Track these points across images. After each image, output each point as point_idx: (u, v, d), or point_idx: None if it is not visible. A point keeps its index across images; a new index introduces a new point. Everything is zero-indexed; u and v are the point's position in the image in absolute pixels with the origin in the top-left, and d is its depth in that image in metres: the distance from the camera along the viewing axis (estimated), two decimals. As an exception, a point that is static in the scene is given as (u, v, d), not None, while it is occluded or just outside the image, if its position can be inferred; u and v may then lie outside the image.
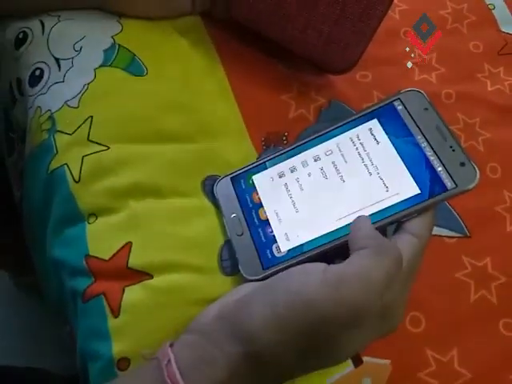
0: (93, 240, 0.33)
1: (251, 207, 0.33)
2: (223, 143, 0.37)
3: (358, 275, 0.25)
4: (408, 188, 0.30)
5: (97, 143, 0.35)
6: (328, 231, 0.31)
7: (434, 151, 0.30)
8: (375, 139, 0.32)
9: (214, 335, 0.27)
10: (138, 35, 0.39)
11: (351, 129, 0.33)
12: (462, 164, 0.29)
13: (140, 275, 0.31)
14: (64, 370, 0.41)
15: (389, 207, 0.30)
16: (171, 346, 0.27)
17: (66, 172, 0.34)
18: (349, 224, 0.30)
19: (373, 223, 0.29)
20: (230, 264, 0.33)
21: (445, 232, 0.38)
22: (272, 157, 0.34)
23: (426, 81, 0.45)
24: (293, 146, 0.34)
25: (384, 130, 0.32)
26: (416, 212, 0.29)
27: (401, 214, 0.29)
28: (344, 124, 0.34)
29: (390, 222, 0.30)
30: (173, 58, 0.39)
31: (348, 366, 0.31)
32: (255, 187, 0.34)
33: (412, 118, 0.31)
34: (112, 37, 0.39)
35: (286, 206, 0.32)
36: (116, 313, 0.31)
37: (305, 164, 0.33)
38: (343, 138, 0.33)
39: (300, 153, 0.34)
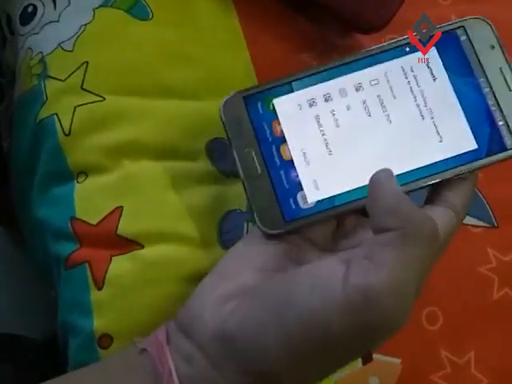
0: (81, 201, 0.30)
1: (271, 141, 0.26)
2: None
3: (388, 287, 0.20)
4: (464, 141, 0.26)
5: (91, 93, 0.31)
6: (365, 183, 0.24)
7: (497, 100, 0.26)
8: (432, 74, 0.27)
9: (214, 356, 0.22)
10: None
11: (404, 55, 0.27)
12: None
13: (130, 244, 0.28)
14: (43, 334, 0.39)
15: (439, 162, 0.25)
16: (168, 342, 0.23)
17: (56, 123, 0.31)
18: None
19: (416, 180, 0.25)
20: (231, 237, 0.30)
21: (470, 220, 0.34)
22: (301, 76, 0.27)
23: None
24: (329, 65, 0.27)
25: (443, 63, 0.27)
26: (468, 172, 0.25)
27: (450, 172, 0.25)
28: (396, 47, 0.27)
29: (435, 182, 0.25)
30: (183, 1, 0.35)
31: (356, 363, 0.28)
32: (277, 115, 0.27)
33: (476, 54, 0.27)
34: (115, -26, 0.34)
35: (316, 144, 0.26)
36: (100, 284, 0.28)
37: (343, 93, 0.27)
38: (393, 66, 0.27)
39: (338, 76, 0.27)
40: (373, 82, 0.27)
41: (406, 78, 0.27)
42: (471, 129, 0.26)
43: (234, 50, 0.34)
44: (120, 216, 0.29)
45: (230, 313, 0.22)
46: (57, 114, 0.31)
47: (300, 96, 0.27)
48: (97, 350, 0.27)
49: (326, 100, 0.27)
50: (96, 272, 0.28)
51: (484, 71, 0.26)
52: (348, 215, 0.26)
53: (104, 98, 0.31)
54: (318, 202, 0.26)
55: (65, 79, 0.32)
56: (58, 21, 0.33)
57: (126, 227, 0.28)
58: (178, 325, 0.24)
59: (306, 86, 0.27)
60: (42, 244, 0.31)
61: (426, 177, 0.26)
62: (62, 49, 0.32)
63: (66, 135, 0.31)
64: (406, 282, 0.20)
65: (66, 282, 0.29)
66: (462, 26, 0.27)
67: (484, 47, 0.27)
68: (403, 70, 0.27)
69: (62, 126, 0.31)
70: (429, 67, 0.27)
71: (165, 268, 0.28)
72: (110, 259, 0.28)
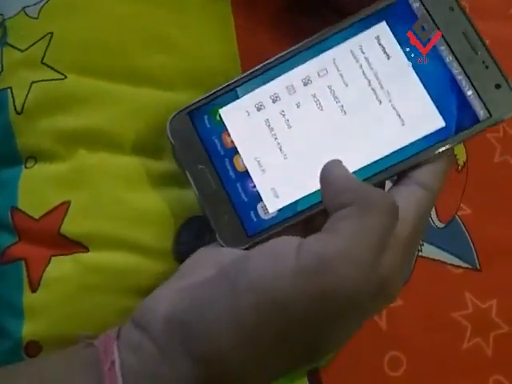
0: (25, 189, 0.27)
1: (223, 154, 0.25)
2: None
3: (343, 253, 0.19)
4: (429, 120, 0.23)
5: (52, 68, 0.28)
6: None
7: (463, 68, 0.23)
8: (384, 51, 0.24)
9: (164, 344, 0.20)
10: None
11: (351, 37, 0.25)
12: (498, 86, 0.23)
13: (72, 245, 0.25)
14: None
15: (405, 147, 0.23)
16: (118, 337, 0.22)
17: (9, 98, 0.28)
18: (354, 172, 0.23)
19: (383, 171, 0.23)
20: (187, 249, 0.27)
21: (452, 259, 0.31)
22: (244, 79, 0.25)
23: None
24: (272, 61, 0.25)
25: (396, 37, 0.24)
26: (439, 153, 0.23)
27: (419, 156, 0.23)
28: (341, 30, 0.25)
29: (403, 169, 0.23)
30: None
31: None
32: (225, 126, 0.25)
33: (433, 20, 0.24)
34: None
35: (269, 150, 0.25)
36: (35, 286, 0.25)
37: (291, 90, 0.25)
38: (341, 51, 0.25)
39: (283, 73, 0.25)
40: (321, 73, 0.25)
41: (357, 61, 0.24)
42: (436, 105, 0.23)
43: (221, 41, 0.31)
44: (66, 212, 0.26)
45: (181, 298, 0.21)
46: (11, 88, 0.28)
47: (246, 101, 0.25)
48: (23, 358, 0.25)
49: (274, 101, 0.25)
50: (32, 272, 0.25)
51: (444, 38, 0.24)
52: (315, 217, 0.24)
53: (65, 77, 0.28)
54: (280, 210, 0.24)
55: (24, 50, 0.28)
56: (25, -19, 0.29)
57: (70, 226, 0.26)
58: (131, 320, 0.22)
59: (252, 90, 0.25)
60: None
61: (393, 165, 0.23)
62: (26, 14, 0.29)
63: (17, 113, 0.27)
64: (362, 251, 0.19)
65: (-1, 277, 0.26)
66: None
67: (441, 11, 0.24)
68: (353, 54, 0.25)
69: (14, 102, 0.27)
70: (380, 45, 0.24)
71: (107, 276, 0.25)
72: (49, 259, 0.25)
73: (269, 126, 0.25)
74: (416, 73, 0.24)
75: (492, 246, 0.33)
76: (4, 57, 0.28)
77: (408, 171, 0.23)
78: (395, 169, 0.23)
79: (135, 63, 0.29)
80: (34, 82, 0.28)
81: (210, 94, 0.25)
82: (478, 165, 0.34)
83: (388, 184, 0.26)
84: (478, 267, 0.32)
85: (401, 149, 0.24)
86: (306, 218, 0.24)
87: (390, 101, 0.24)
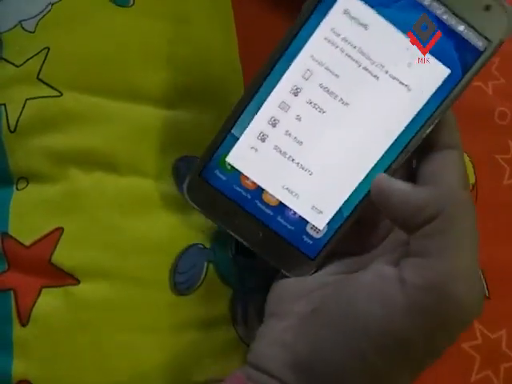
0: (16, 213, 0.26)
1: (251, 198, 0.24)
2: (213, 115, 0.28)
3: (450, 275, 0.18)
4: (433, 72, 0.22)
5: (47, 85, 0.27)
6: (361, 178, 0.23)
7: (445, 6, 0.21)
8: (360, 23, 0.22)
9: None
10: None
11: (319, 22, 0.22)
12: (487, 7, 0.21)
13: (63, 276, 0.24)
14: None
15: (421, 111, 0.22)
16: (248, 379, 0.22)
17: (2, 115, 0.27)
18: (382, 158, 0.23)
19: (409, 143, 0.22)
20: (185, 279, 0.26)
21: (460, 287, 0.30)
22: (234, 119, 0.24)
23: (479, 89, 0.36)
24: (253, 86, 0.23)
25: (365, 1, 0.22)
26: (455, 99, 0.22)
27: (439, 111, 0.22)
28: (305, 21, 0.22)
29: (428, 132, 0.22)
30: None
31: None
32: (239, 171, 0.24)
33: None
34: None
35: (292, 173, 0.24)
36: (24, 320, 0.24)
37: (285, 106, 0.23)
38: (316, 42, 0.22)
39: (269, 93, 0.23)
40: (306, 75, 0.23)
41: (337, 46, 0.22)
42: (433, 55, 0.22)
43: (223, 53, 0.29)
44: (58, 240, 0.24)
45: (294, 341, 0.21)
46: (4, 105, 0.27)
47: (247, 138, 0.24)
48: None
49: (274, 125, 0.24)
50: (21, 304, 0.24)
51: None
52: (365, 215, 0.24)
53: (61, 94, 0.27)
54: (329, 223, 0.24)
55: (20, 65, 0.27)
56: (22, -7, 0.28)
57: (62, 255, 0.24)
58: (248, 365, 0.22)
59: (247, 124, 0.24)
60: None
61: (417, 133, 0.22)
62: (23, 28, 0.27)
63: (10, 132, 0.26)
64: (467, 263, 0.19)
65: (-13, 307, 0.25)
66: None
67: None
68: (329, 41, 0.22)
69: (8, 119, 0.26)
70: (352, 17, 0.22)
71: (101, 311, 0.24)
72: (40, 291, 0.24)
73: (280, 151, 0.24)
74: (400, 30, 0.22)
75: (500, 273, 0.31)
76: (-2, 72, 0.27)
77: (432, 133, 0.22)
78: (419, 135, 0.22)
79: (134, 80, 0.28)
80: (28, 99, 0.26)
81: (211, 148, 0.24)
82: (487, 187, 0.33)
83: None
84: (487, 295, 0.31)
85: (418, 114, 0.22)
86: (355, 219, 0.24)
87: (387, 72, 0.22)
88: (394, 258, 0.21)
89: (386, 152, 0.23)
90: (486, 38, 0.21)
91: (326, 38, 0.22)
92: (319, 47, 0.23)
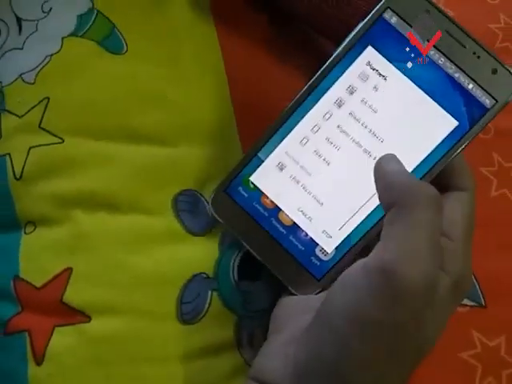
0: (26, 257, 0.27)
1: (268, 216, 0.26)
2: (208, 149, 0.30)
3: (399, 256, 0.19)
4: (442, 124, 0.25)
5: (49, 133, 0.28)
6: (371, 209, 0.25)
7: (456, 65, 0.24)
8: (380, 74, 0.25)
9: None
10: (125, 0, 0.31)
11: (342, 73, 0.25)
12: (494, 71, 0.24)
13: (75, 315, 0.25)
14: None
15: (429, 155, 0.25)
16: None
17: (8, 164, 0.28)
18: None
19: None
20: (191, 309, 0.27)
21: (456, 298, 0.31)
22: (262, 144, 0.26)
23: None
24: (280, 120, 0.26)
25: (385, 57, 0.25)
26: (460, 150, 0.25)
27: (444, 159, 0.25)
28: (329, 70, 0.25)
29: (433, 177, 0.25)
30: (164, 34, 0.31)
31: None
32: (260, 190, 0.26)
33: (410, 24, 0.25)
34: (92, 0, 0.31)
35: (306, 200, 0.26)
36: (39, 359, 0.25)
37: (304, 142, 0.26)
38: (337, 89, 0.25)
39: (292, 129, 0.26)
40: (326, 116, 0.26)
41: (359, 95, 0.25)
42: (444, 108, 0.25)
43: (215, 94, 0.31)
44: (68, 280, 0.26)
45: (296, 351, 0.22)
46: (9, 154, 0.28)
47: (271, 163, 0.26)
48: None
49: (293, 157, 0.26)
50: (36, 344, 0.25)
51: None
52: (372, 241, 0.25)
53: (63, 140, 0.28)
54: (337, 248, 0.26)
55: (22, 115, 0.28)
56: (21, 48, 0.30)
57: (73, 294, 0.25)
58: (251, 379, 0.23)
59: (271, 151, 0.26)
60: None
61: (423, 177, 0.25)
62: (23, 80, 0.29)
63: (16, 179, 0.27)
64: (416, 247, 0.20)
65: (4, 349, 0.26)
66: (388, 7, 0.25)
67: (418, 16, 0.25)
68: (350, 91, 0.26)
69: (13, 168, 0.28)
70: (373, 69, 0.25)
71: (113, 346, 0.25)
72: (53, 330, 0.25)
73: (296, 180, 0.26)
74: (416, 84, 0.25)
75: (495, 282, 0.32)
76: (2, 123, 0.29)
77: (438, 178, 0.24)
78: (427, 177, 0.25)
79: (132, 122, 0.29)
80: (32, 147, 0.28)
81: (238, 166, 0.27)
82: (476, 200, 0.35)
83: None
84: (484, 304, 0.32)
85: (425, 159, 0.25)
86: (363, 245, 0.25)
87: (402, 120, 0.25)
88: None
89: None
90: (492, 97, 0.24)
91: (350, 86, 0.25)
92: (341, 94, 0.25)
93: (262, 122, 0.27)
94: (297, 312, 0.24)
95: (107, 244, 0.27)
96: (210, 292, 0.27)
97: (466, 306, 0.32)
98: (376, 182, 0.22)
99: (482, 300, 0.32)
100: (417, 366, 0.22)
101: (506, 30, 0.41)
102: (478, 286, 0.32)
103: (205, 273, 0.27)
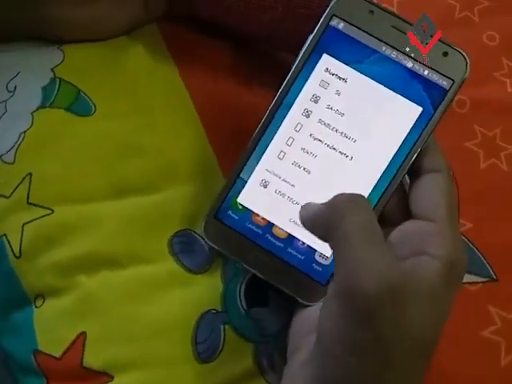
0: (41, 330, 0.27)
1: (262, 233, 0.27)
2: (193, 187, 0.31)
3: (349, 278, 0.20)
4: (408, 112, 0.26)
5: (38, 206, 0.29)
6: None
7: (408, 56, 0.26)
8: (339, 78, 0.26)
9: None
10: (84, 63, 0.32)
11: (304, 84, 0.26)
12: (445, 54, 0.26)
13: (98, 377, 0.26)
14: None
15: (400, 148, 0.26)
16: None
17: (6, 245, 0.29)
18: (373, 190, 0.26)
19: (393, 177, 0.26)
20: (207, 347, 0.27)
21: (466, 277, 0.31)
22: (241, 165, 0.27)
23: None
24: (254, 139, 0.27)
25: (341, 61, 0.26)
26: (429, 135, 0.26)
27: (416, 147, 0.25)
28: (292, 83, 0.26)
29: (409, 165, 0.26)
30: (127, 87, 0.32)
31: None
32: (250, 210, 0.27)
33: (362, 30, 0.26)
34: (52, 69, 0.32)
35: (295, 209, 0.26)
36: (71, 427, 0.25)
37: (282, 155, 0.27)
38: (303, 99, 0.27)
39: (267, 145, 0.27)
40: (297, 128, 0.27)
41: (322, 102, 0.26)
42: (406, 97, 0.26)
43: (189, 132, 0.32)
44: (84, 344, 0.26)
45: (312, 372, 0.22)
46: (6, 235, 0.29)
47: (253, 182, 0.27)
48: None
49: (273, 173, 0.27)
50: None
51: (380, 39, 0.26)
52: None
53: (52, 211, 0.29)
54: None
55: (9, 196, 0.29)
56: (-4, 131, 0.31)
57: (91, 357, 0.26)
58: None
59: (253, 168, 0.27)
60: (13, 377, 0.29)
61: (400, 167, 0.26)
62: (4, 162, 0.30)
63: (17, 258, 0.28)
64: (356, 257, 0.20)
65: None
66: (333, 15, 0.26)
67: (363, 18, 0.26)
68: (314, 99, 0.27)
69: (12, 247, 0.28)
70: (332, 74, 0.26)
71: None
72: (79, 395, 0.26)
73: (281, 193, 0.27)
74: (375, 81, 0.26)
75: (503, 254, 0.32)
76: (-8, 207, 0.30)
77: (415, 164, 0.25)
78: (402, 170, 0.26)
79: (113, 177, 0.30)
80: (25, 224, 0.29)
81: (223, 192, 0.27)
82: (467, 174, 0.35)
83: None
84: (495, 277, 0.32)
85: (398, 150, 0.26)
86: None
87: (369, 117, 0.26)
88: None
89: (377, 184, 0.26)
90: (449, 78, 0.25)
91: (313, 95, 0.26)
92: (306, 105, 0.26)
93: (239, 146, 0.28)
94: (309, 328, 0.24)
95: (115, 300, 0.27)
96: (222, 326, 0.28)
97: (478, 283, 0.32)
98: (310, 231, 0.23)
99: (493, 274, 0.32)
100: (428, 359, 0.22)
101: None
102: (485, 261, 0.32)
103: (214, 309, 0.28)
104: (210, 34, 0.35)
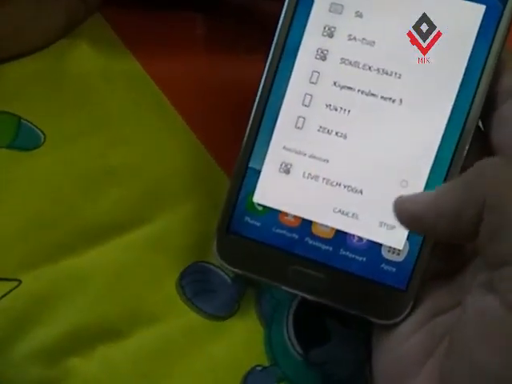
0: None
1: (298, 238, 0.20)
2: (192, 204, 0.24)
3: None
4: (465, 20, 0.19)
5: (2, 279, 0.23)
6: (430, 167, 0.20)
7: None
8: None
9: None
10: (18, 83, 0.26)
11: (307, 16, 0.20)
12: None
13: None
14: None
15: (468, 69, 0.19)
16: None
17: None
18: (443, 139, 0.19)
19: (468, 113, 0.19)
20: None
21: None
22: (248, 150, 0.21)
23: None
24: (258, 107, 0.21)
25: None
26: (503, 42, 0.19)
27: (489, 65, 0.19)
28: (289, 23, 0.20)
29: (486, 92, 0.19)
30: (80, 99, 0.26)
31: None
32: (275, 209, 0.20)
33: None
34: (-16, 100, 0.26)
35: (340, 194, 0.20)
36: None
37: (301, 121, 0.20)
38: (312, 43, 0.20)
39: (278, 110, 0.20)
40: (313, 79, 0.20)
41: (346, 34, 0.20)
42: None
43: (171, 135, 0.26)
44: None
45: None
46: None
47: (270, 167, 0.21)
48: None
49: (296, 147, 0.21)
50: None
51: None
52: None
53: (20, 281, 0.23)
54: (409, 238, 0.20)
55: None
56: None
57: None
58: None
59: (265, 151, 0.21)
60: None
61: (474, 96, 0.19)
62: None
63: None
64: None
65: None
66: None
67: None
68: (329, 32, 0.20)
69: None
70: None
71: None
72: None
73: (310, 175, 0.20)
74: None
75: None
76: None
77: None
78: (478, 99, 0.19)
79: (83, 219, 0.24)
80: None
81: (230, 194, 0.21)
82: None
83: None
84: None
85: (466, 74, 0.19)
86: None
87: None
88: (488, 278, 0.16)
89: (446, 130, 0.19)
90: None
91: (325, 26, 0.20)
92: (318, 43, 0.20)
93: (238, 132, 0.21)
94: (412, 355, 0.18)
95: (124, 382, 0.21)
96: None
97: None
98: (426, 227, 0.17)
99: None
100: None
101: None
102: None
103: (259, 364, 0.21)
104: (169, 11, 0.29)
